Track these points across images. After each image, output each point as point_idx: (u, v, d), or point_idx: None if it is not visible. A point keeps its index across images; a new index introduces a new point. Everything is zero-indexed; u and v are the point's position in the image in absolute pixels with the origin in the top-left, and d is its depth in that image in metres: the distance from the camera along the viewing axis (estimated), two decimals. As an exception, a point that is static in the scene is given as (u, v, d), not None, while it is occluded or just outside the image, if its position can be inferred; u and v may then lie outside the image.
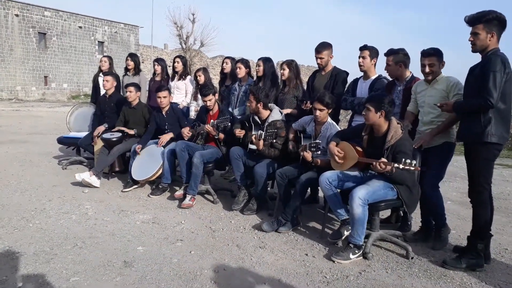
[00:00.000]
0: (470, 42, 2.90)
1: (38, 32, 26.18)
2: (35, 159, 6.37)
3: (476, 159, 2.92)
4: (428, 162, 3.25)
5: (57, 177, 5.29)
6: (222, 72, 5.69)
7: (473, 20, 2.86)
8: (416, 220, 4.09)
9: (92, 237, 3.35)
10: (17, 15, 24.81)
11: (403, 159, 2.85)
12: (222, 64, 5.61)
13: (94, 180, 4.77)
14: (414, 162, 2.86)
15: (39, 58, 26.38)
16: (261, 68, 4.79)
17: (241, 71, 5.11)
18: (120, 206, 4.20)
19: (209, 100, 4.52)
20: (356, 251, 3.09)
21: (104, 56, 6.44)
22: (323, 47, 4.29)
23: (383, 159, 2.93)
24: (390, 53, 3.66)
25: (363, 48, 3.98)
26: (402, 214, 3.88)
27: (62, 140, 6.04)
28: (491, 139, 2.82)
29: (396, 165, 2.86)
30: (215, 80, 6.66)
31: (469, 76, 2.95)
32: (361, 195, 3.00)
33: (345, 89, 4.33)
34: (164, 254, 3.08)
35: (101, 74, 6.11)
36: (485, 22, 2.81)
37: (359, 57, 4.00)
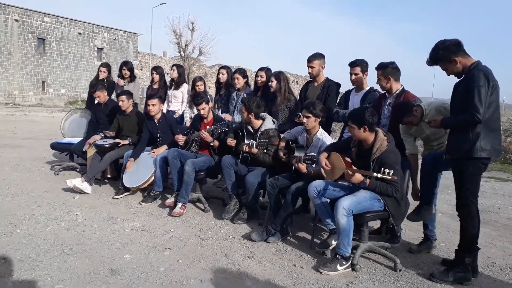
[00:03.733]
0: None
1: (37, 38, 26.30)
2: (28, 164, 6.35)
3: (464, 174, 2.94)
4: None
5: (48, 183, 5.27)
6: (217, 81, 5.72)
7: (432, 63, 3.00)
8: (406, 232, 4.11)
9: (80, 244, 3.33)
10: (17, 20, 24.92)
11: (382, 169, 2.90)
12: (218, 74, 5.65)
13: (85, 186, 4.76)
14: (391, 171, 2.92)
15: (38, 63, 26.45)
16: (264, 79, 4.81)
17: (240, 81, 5.13)
18: (110, 213, 4.18)
19: (203, 109, 4.54)
20: (344, 263, 3.09)
21: (102, 66, 6.44)
22: (314, 57, 4.34)
23: (354, 168, 3.00)
24: (379, 67, 3.69)
25: (353, 64, 4.02)
26: (391, 226, 3.88)
27: (55, 146, 6.03)
28: (480, 154, 2.83)
29: (374, 174, 2.93)
30: (213, 89, 6.69)
31: (454, 93, 2.98)
32: (345, 205, 3.01)
33: (337, 101, 4.36)
34: (152, 263, 3.07)
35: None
36: (440, 60, 2.93)
37: (351, 74, 4.04)
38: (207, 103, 4.58)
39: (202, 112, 4.57)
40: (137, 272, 2.90)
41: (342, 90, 4.56)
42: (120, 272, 2.89)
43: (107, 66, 6.45)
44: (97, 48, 30.41)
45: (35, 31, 26.09)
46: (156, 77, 6.06)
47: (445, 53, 2.91)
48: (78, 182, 4.73)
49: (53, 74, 27.40)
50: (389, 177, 2.96)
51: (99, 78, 6.26)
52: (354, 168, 3.17)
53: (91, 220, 3.94)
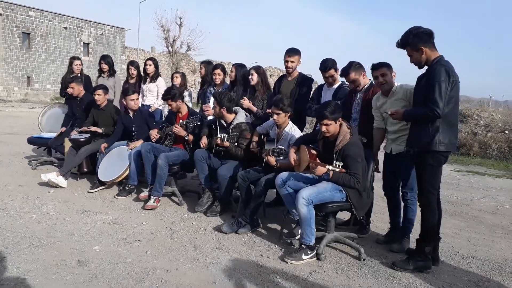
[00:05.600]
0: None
1: (22, 32, 25.86)
2: (5, 159, 6.32)
3: (424, 166, 3.03)
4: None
5: (25, 177, 5.27)
6: (202, 76, 5.78)
7: (400, 46, 3.04)
8: (376, 223, 4.21)
9: (50, 237, 3.36)
10: (1, 15, 24.50)
11: (334, 162, 3.00)
12: (200, 68, 5.70)
13: (61, 180, 4.77)
14: (340, 164, 3.04)
15: (23, 58, 26.06)
16: (233, 74, 4.88)
17: (220, 77, 5.16)
18: (84, 207, 4.21)
19: (170, 105, 4.64)
20: (309, 252, 3.17)
21: (78, 59, 6.40)
22: (295, 52, 4.39)
23: (317, 161, 3.06)
24: (345, 73, 3.75)
25: (325, 69, 4.06)
26: (358, 218, 3.97)
27: (32, 140, 6.01)
28: (439, 148, 2.92)
29: (329, 167, 3.04)
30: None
31: (417, 86, 3.06)
32: (305, 195, 3.10)
33: (310, 95, 4.43)
34: (120, 254, 3.11)
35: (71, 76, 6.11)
36: (409, 45, 2.98)
37: (326, 77, 4.10)
38: (174, 99, 4.58)
39: (172, 107, 4.63)
40: (104, 263, 2.94)
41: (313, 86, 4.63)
42: (87, 263, 2.93)
43: (80, 59, 6.42)
44: (84, 43, 30.02)
45: (20, 25, 25.66)
46: (134, 72, 6.07)
47: (415, 40, 2.95)
48: (53, 176, 4.74)
49: (38, 69, 27.02)
50: (338, 169, 3.07)
51: (74, 72, 6.22)
52: (318, 161, 3.26)
53: (63, 213, 3.97)
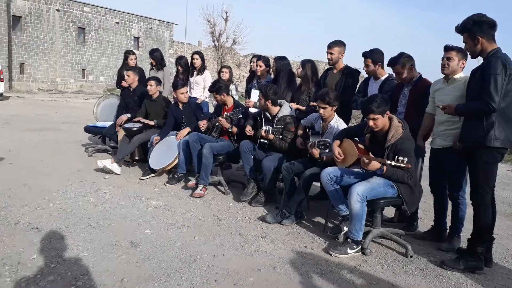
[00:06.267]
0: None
1: (78, 27, 27.30)
2: (64, 146, 6.76)
3: (478, 162, 2.90)
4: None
5: (82, 163, 5.61)
6: (250, 70, 5.87)
7: (459, 30, 2.91)
8: (424, 221, 4.10)
9: (105, 219, 3.58)
10: (58, 10, 25.96)
11: (396, 157, 2.91)
12: (251, 62, 5.79)
13: (115, 167, 5.04)
14: (405, 159, 2.93)
15: (78, 52, 27.51)
16: (275, 67, 4.92)
17: (261, 69, 5.23)
18: (136, 192, 4.43)
19: (215, 97, 4.80)
20: (354, 246, 3.15)
21: (132, 54, 6.68)
22: (335, 43, 4.35)
23: (370, 155, 3.00)
24: (391, 63, 3.68)
25: (364, 55, 3.99)
26: (408, 214, 3.88)
27: (88, 129, 6.39)
28: (494, 144, 2.79)
29: (388, 162, 2.94)
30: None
31: (470, 79, 2.93)
32: (359, 191, 3.06)
33: (357, 88, 4.37)
34: (170, 238, 3.26)
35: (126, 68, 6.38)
36: (467, 31, 2.85)
37: (365, 64, 4.04)
38: (218, 92, 4.72)
39: (218, 99, 4.78)
40: (155, 245, 3.10)
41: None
42: (139, 245, 3.09)
43: (134, 53, 6.70)
44: (134, 37, 31.18)
45: (76, 20, 27.10)
46: (181, 69, 6.25)
47: (474, 27, 2.82)
48: (108, 163, 5.02)
49: (92, 62, 28.44)
50: (403, 165, 2.98)
51: (129, 66, 6.50)
52: (370, 155, 3.20)
53: (117, 198, 4.20)
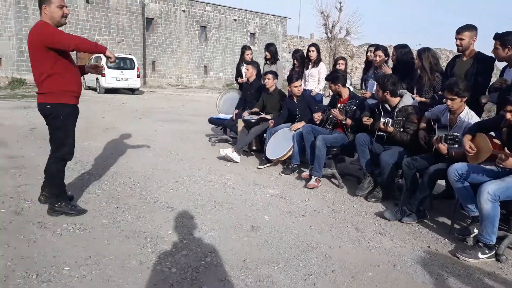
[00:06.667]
0: None
1: (200, 26, 29.58)
2: (191, 136, 7.45)
3: None
4: None
5: (206, 152, 6.13)
6: (366, 60, 5.72)
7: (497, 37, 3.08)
8: None
9: (228, 203, 3.87)
10: (183, 11, 28.46)
11: None
12: (367, 52, 5.63)
13: (235, 156, 5.40)
14: None
15: (200, 49, 29.83)
16: (395, 56, 4.68)
17: (380, 59, 5.04)
18: (254, 180, 4.68)
19: (330, 86, 4.79)
20: (487, 251, 2.86)
21: (249, 49, 7.02)
22: (465, 28, 3.92)
23: (507, 151, 2.64)
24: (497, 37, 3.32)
25: (495, 37, 3.53)
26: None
27: (212, 121, 6.94)
28: None
29: None
30: (360, 69, 6.70)
31: None
32: (490, 190, 2.76)
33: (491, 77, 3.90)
34: (286, 225, 3.38)
35: (243, 64, 6.74)
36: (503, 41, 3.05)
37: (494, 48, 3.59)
38: (334, 81, 4.69)
39: (333, 89, 4.77)
40: (273, 231, 3.25)
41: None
42: (259, 229, 3.28)
43: (250, 48, 7.02)
44: (250, 33, 32.56)
45: (199, 19, 29.42)
46: (297, 62, 6.34)
47: None
48: (229, 151, 5.40)
49: (213, 59, 30.59)
50: None
51: (246, 59, 6.84)
52: (508, 151, 2.85)
53: (238, 184, 4.49)
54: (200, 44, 29.79)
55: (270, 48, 6.61)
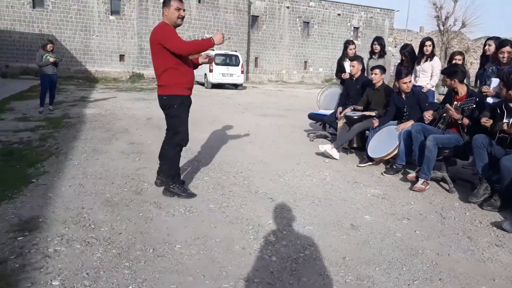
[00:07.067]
0: None
1: (303, 22, 29.58)
2: (290, 131, 7.55)
3: None
4: None
5: (305, 147, 6.16)
6: (483, 55, 5.20)
7: None
8: None
9: (327, 199, 3.85)
10: (287, 7, 28.74)
11: None
12: (484, 46, 5.11)
13: (334, 152, 5.33)
14: None
15: (302, 45, 29.87)
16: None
17: (508, 55, 4.53)
18: (354, 178, 4.57)
19: (445, 81, 4.43)
20: None
21: (352, 43, 6.83)
22: None
23: None
24: None
25: None
26: None
27: (312, 116, 6.93)
28: None
29: None
30: (476, 65, 6.13)
31: None
32: None
33: None
34: (389, 227, 3.25)
35: (346, 59, 6.57)
36: None
37: None
38: (450, 76, 4.32)
39: (445, 83, 4.41)
40: (375, 232, 3.15)
41: None
42: (359, 228, 3.21)
43: (353, 43, 6.80)
44: (354, 27, 31.59)
45: (302, 15, 29.44)
46: (405, 58, 5.99)
47: None
48: (328, 148, 5.35)
49: (313, 54, 30.41)
50: None
51: (349, 55, 6.65)
52: None
53: (337, 181, 4.44)
54: (302, 40, 29.83)
55: (381, 41, 6.37)
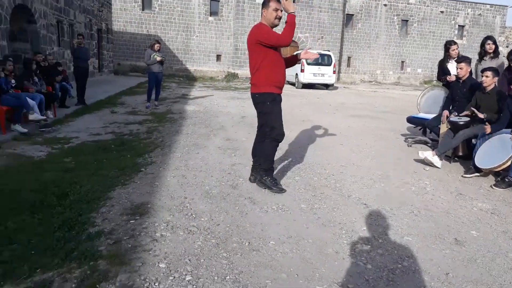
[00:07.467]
0: None
1: (401, 20, 28.02)
2: (385, 134, 7.22)
3: None
4: None
5: (402, 152, 5.84)
6: None
7: None
8: None
9: (427, 210, 3.60)
10: (385, 5, 27.47)
11: None
12: None
13: (436, 160, 4.97)
14: None
15: (399, 44, 28.34)
16: None
17: None
18: (458, 189, 4.21)
19: None
20: None
21: (454, 43, 6.26)
22: None
23: None
24: None
25: None
26: None
27: (411, 120, 6.54)
28: None
29: None
30: None
31: None
32: None
33: None
34: (500, 246, 2.94)
35: (451, 61, 6.05)
36: None
37: None
38: None
39: None
40: (483, 249, 2.87)
41: None
42: (465, 244, 2.95)
43: (457, 44, 6.25)
44: (458, 25, 29.06)
45: (400, 13, 27.88)
46: None
47: None
48: (429, 155, 5.00)
49: (411, 54, 28.64)
50: None
51: (451, 57, 6.12)
52: None
53: (438, 191, 4.13)
54: (400, 38, 28.30)
55: (494, 40, 5.77)
